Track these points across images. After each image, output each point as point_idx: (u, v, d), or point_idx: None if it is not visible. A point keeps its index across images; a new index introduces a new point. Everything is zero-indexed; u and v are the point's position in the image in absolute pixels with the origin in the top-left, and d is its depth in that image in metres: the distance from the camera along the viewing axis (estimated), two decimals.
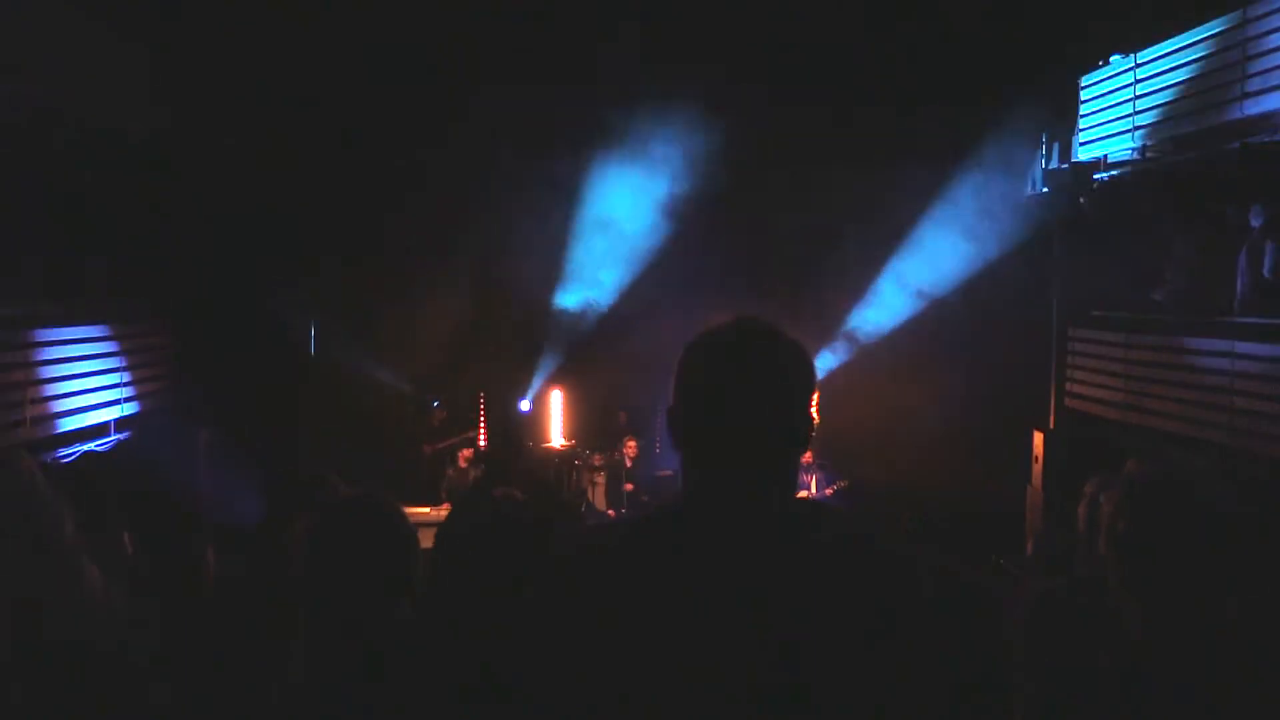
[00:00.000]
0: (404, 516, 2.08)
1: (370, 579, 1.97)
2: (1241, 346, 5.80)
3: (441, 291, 9.51)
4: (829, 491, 8.92)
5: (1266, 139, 5.65)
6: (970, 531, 7.14)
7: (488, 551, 2.46)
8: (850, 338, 9.60)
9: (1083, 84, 7.59)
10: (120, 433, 7.02)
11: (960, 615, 1.42)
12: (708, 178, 9.18)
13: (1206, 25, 6.21)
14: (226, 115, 7.80)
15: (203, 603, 2.52)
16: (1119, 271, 7.24)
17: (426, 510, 8.08)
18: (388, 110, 8.72)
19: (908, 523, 8.02)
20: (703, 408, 1.43)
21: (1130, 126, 6.99)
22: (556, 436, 10.38)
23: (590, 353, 10.12)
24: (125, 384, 7.20)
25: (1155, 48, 6.71)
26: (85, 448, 6.54)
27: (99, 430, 6.84)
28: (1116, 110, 7.17)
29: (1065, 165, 7.70)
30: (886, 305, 9.45)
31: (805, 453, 1.49)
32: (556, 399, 10.47)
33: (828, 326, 9.45)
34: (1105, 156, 7.31)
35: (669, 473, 9.44)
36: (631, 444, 9.66)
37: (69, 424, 6.49)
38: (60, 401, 6.41)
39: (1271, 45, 5.58)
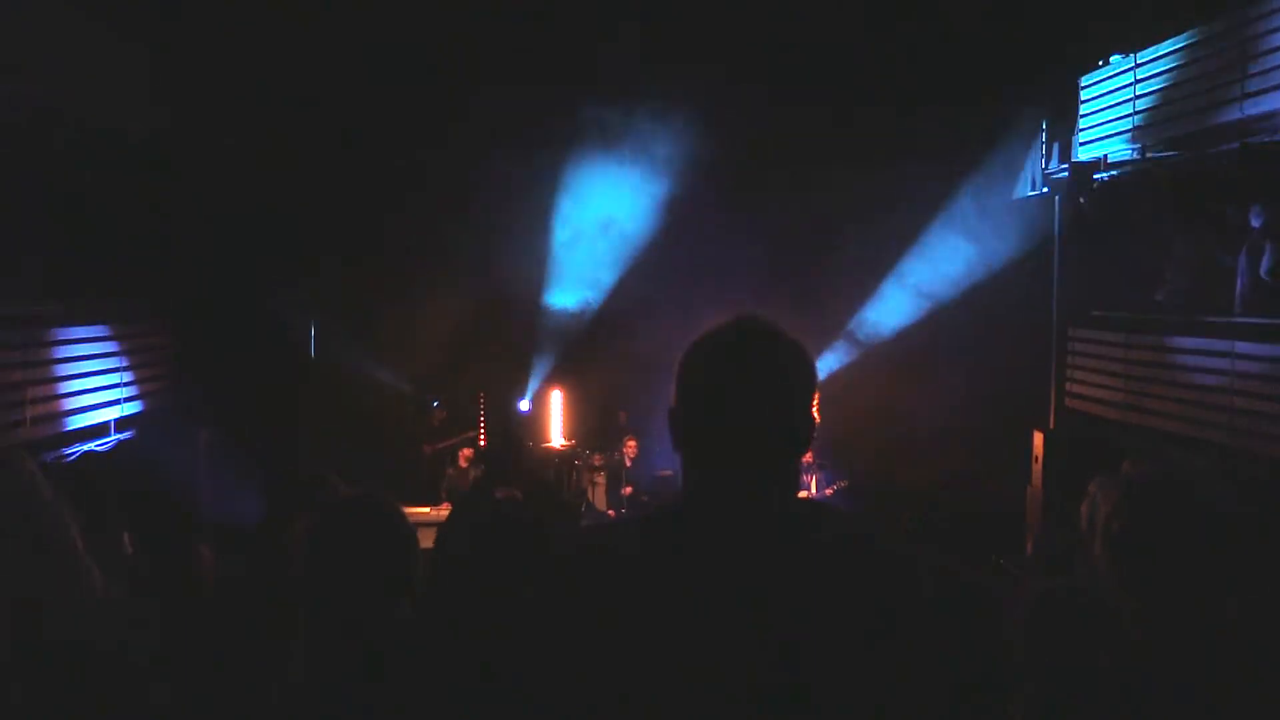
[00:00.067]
0: (404, 516, 2.08)
1: (370, 579, 1.97)
2: (1241, 346, 5.80)
3: (441, 291, 9.51)
4: (829, 491, 8.92)
5: (1266, 139, 5.64)
6: (970, 531, 7.14)
7: (488, 551, 2.46)
8: (850, 338, 9.60)
9: (1083, 84, 7.59)
10: (120, 433, 7.02)
11: (960, 615, 1.42)
12: (708, 178, 9.19)
13: (1206, 25, 6.21)
14: (226, 115, 7.79)
15: (203, 603, 2.52)
16: (1119, 271, 7.24)
17: (426, 510, 8.09)
18: (388, 110, 8.72)
19: (908, 523, 8.02)
20: (703, 408, 1.43)
21: (1130, 126, 6.99)
22: (556, 436, 10.38)
23: (590, 353, 10.13)
24: (125, 384, 7.20)
25: (1155, 48, 6.71)
26: (85, 448, 6.54)
27: (99, 430, 6.84)
28: (1116, 110, 7.17)
29: (1065, 165, 7.70)
30: (886, 305, 9.45)
31: (806, 453, 1.49)
32: (556, 399, 10.47)
33: (828, 327, 9.45)
34: (1105, 156, 7.31)
35: (669, 473, 9.44)
36: (631, 444, 9.66)
37: (69, 424, 6.49)
38: (60, 401, 6.41)
39: (1271, 45, 5.58)
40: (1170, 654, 1.89)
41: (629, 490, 9.58)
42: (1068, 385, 7.76)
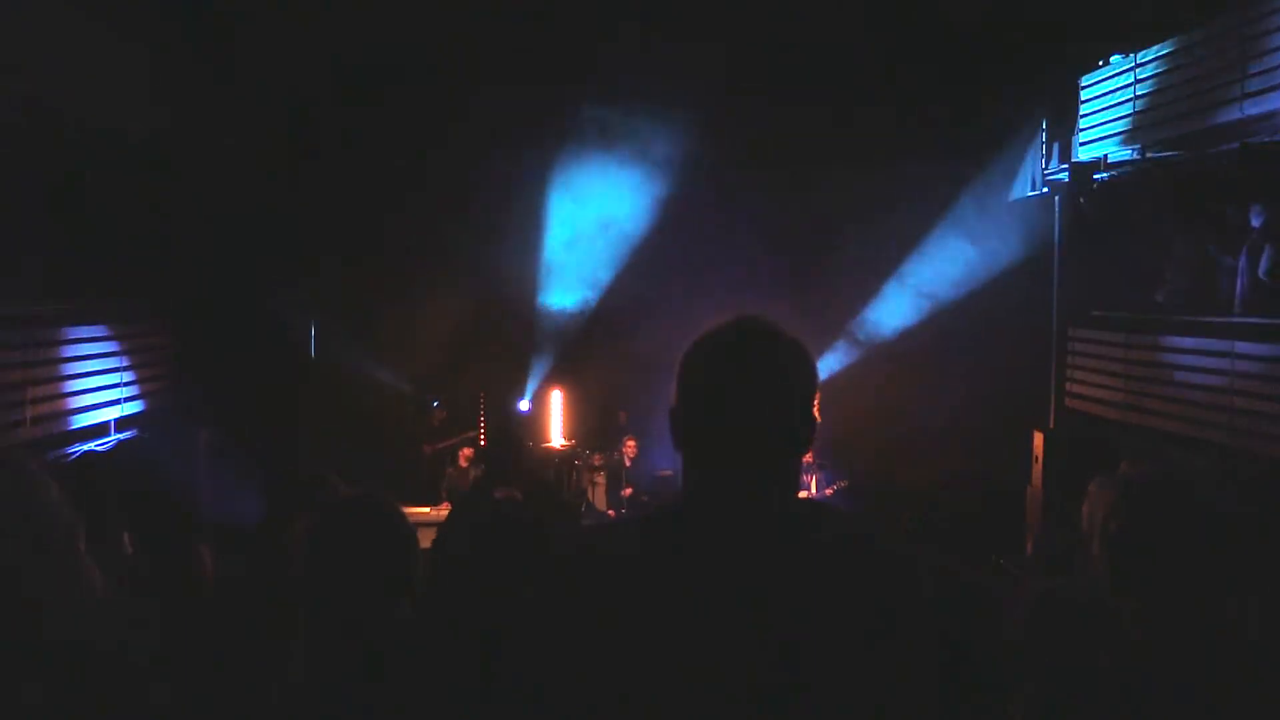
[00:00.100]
0: (404, 516, 2.08)
1: (370, 579, 1.97)
2: (1241, 346, 5.79)
3: (441, 291, 9.52)
4: (829, 491, 8.92)
5: (1266, 139, 5.64)
6: (970, 531, 7.14)
7: (488, 551, 2.46)
8: (850, 338, 9.60)
9: (1083, 84, 7.58)
10: (120, 433, 7.02)
11: (960, 615, 1.42)
12: (708, 178, 9.19)
13: (1206, 25, 6.21)
14: (226, 115, 7.79)
15: (203, 603, 2.52)
16: (1119, 271, 7.24)
17: (426, 510, 8.09)
18: (387, 110, 8.72)
19: (908, 523, 8.02)
20: (703, 408, 1.44)
21: (1130, 127, 6.99)
22: (556, 436, 10.38)
23: (590, 353, 10.13)
24: (125, 384, 7.20)
25: (1155, 48, 6.71)
26: (85, 448, 6.53)
27: (99, 430, 6.84)
28: (1116, 110, 7.17)
29: (1065, 166, 7.70)
30: (886, 305, 9.45)
31: (807, 453, 1.49)
32: (556, 399, 10.47)
33: (828, 327, 9.45)
34: (1105, 156, 7.30)
35: (669, 472, 9.44)
36: (630, 444, 9.66)
37: (69, 424, 6.49)
38: (60, 401, 6.40)
39: (1271, 45, 5.58)
40: (1170, 654, 1.89)
41: (629, 491, 9.58)
42: (1068, 385, 7.76)
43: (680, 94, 8.59)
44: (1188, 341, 6.31)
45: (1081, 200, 7.54)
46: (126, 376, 7.22)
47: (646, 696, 1.34)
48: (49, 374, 6.32)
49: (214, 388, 8.07)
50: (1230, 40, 5.95)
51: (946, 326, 8.93)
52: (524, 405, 10.49)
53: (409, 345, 9.85)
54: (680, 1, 8.18)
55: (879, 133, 8.42)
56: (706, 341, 1.46)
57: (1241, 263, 6.06)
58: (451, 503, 8.51)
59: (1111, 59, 7.28)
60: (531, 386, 10.51)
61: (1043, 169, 8.06)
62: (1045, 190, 7.99)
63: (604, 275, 10.01)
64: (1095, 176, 7.37)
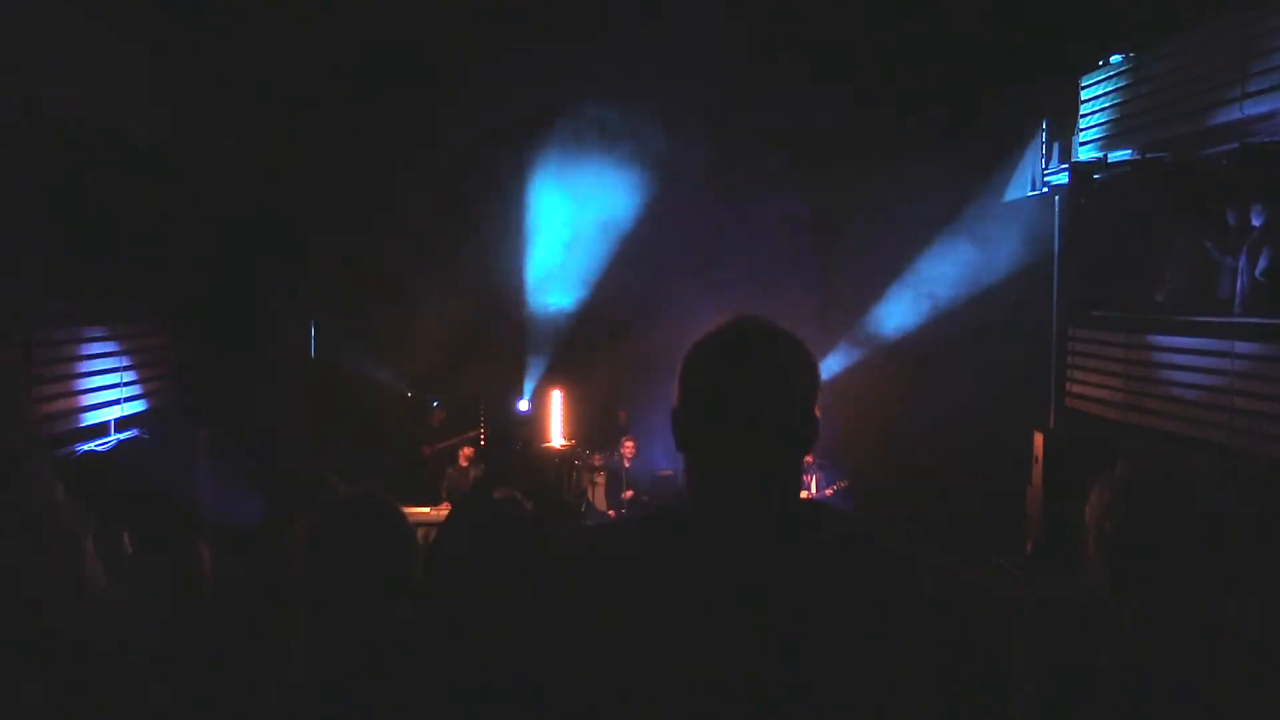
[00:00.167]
0: (404, 516, 2.08)
1: (370, 579, 1.97)
2: (1241, 346, 5.79)
3: (441, 292, 9.52)
4: (829, 491, 8.92)
5: (1266, 139, 5.64)
6: (970, 531, 7.14)
7: (488, 551, 2.46)
8: (850, 339, 9.60)
9: (1083, 84, 7.59)
10: (120, 433, 7.02)
11: (960, 615, 1.42)
12: (708, 178, 9.19)
13: (1206, 25, 6.21)
14: (226, 115, 7.80)
15: (203, 603, 2.52)
16: (1119, 271, 7.24)
17: (426, 510, 8.09)
18: (387, 110, 8.72)
19: (908, 523, 8.01)
20: (703, 409, 1.44)
21: (1130, 127, 6.99)
22: (556, 436, 10.38)
23: (590, 353, 10.13)
24: (125, 384, 7.20)
25: (1154, 48, 6.71)
26: (85, 448, 6.53)
27: (99, 430, 6.84)
28: (1116, 110, 7.17)
29: (1065, 166, 7.70)
30: (886, 306, 9.45)
31: (809, 453, 1.49)
32: (556, 399, 10.48)
33: (828, 327, 9.45)
34: (1105, 156, 7.30)
35: (669, 472, 9.44)
36: (628, 444, 9.66)
37: (69, 424, 6.49)
38: (60, 402, 6.40)
39: (1272, 45, 5.58)
40: (1170, 654, 1.89)
41: (629, 494, 9.58)
42: (1068, 385, 7.76)
43: (680, 94, 8.60)
44: (1188, 341, 6.31)
45: (1082, 200, 7.54)
46: (126, 376, 7.22)
47: (646, 696, 1.34)
48: (49, 374, 6.32)
49: (214, 388, 8.08)
50: (1230, 40, 5.95)
51: (946, 326, 8.93)
52: (523, 405, 10.49)
53: (409, 345, 9.86)
54: (680, 2, 8.18)
55: (879, 133, 8.42)
56: (707, 342, 1.46)
57: (1241, 263, 6.07)
58: (451, 503, 8.52)
59: (1111, 59, 7.28)
60: (531, 386, 10.52)
61: (1043, 169, 8.06)
62: (1045, 190, 7.99)
63: (603, 275, 10.02)
64: (1095, 176, 7.37)
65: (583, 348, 10.20)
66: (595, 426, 10.32)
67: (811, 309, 8.95)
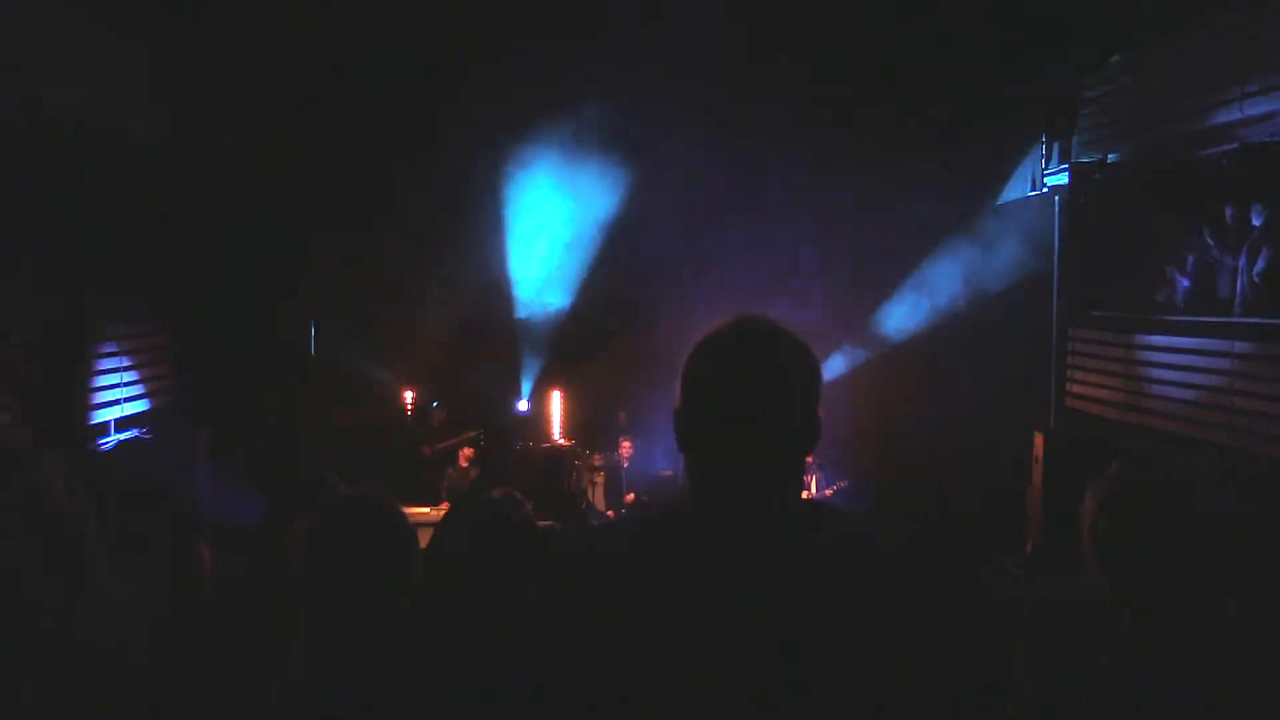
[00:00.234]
0: (404, 516, 2.08)
1: (370, 579, 1.97)
2: (1241, 346, 5.79)
3: (441, 292, 9.52)
4: (829, 491, 8.92)
5: (1266, 139, 5.64)
6: (970, 531, 7.14)
7: (487, 551, 2.46)
8: (850, 339, 9.60)
9: (1083, 84, 7.58)
10: (120, 432, 7.03)
11: (960, 615, 1.42)
12: (708, 178, 9.18)
13: (1206, 25, 6.21)
14: (226, 115, 7.80)
15: (203, 603, 2.52)
16: (1119, 271, 7.24)
17: (426, 510, 8.09)
18: (387, 110, 8.72)
19: (908, 523, 8.00)
20: (704, 409, 1.44)
21: (1130, 127, 6.99)
22: (556, 436, 10.38)
23: (590, 353, 10.13)
24: (125, 384, 7.21)
25: (1155, 48, 6.70)
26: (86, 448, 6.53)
27: (99, 430, 6.84)
28: (1117, 110, 7.17)
29: (1065, 166, 7.70)
30: (886, 306, 9.45)
31: (810, 452, 1.49)
32: (556, 399, 10.48)
33: (828, 328, 9.45)
34: (1105, 156, 7.30)
35: (669, 472, 9.44)
36: (626, 444, 9.65)
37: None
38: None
39: (1271, 45, 5.58)
40: (1170, 654, 1.89)
41: (630, 497, 9.58)
42: (1068, 385, 7.76)
43: (680, 94, 8.59)
44: (1188, 341, 6.31)
45: (1081, 200, 7.54)
46: (126, 376, 7.22)
47: (646, 697, 1.34)
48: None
49: (214, 388, 8.08)
50: (1230, 40, 5.95)
51: (947, 327, 8.93)
52: (523, 405, 10.49)
53: (409, 345, 9.86)
54: (680, 2, 8.18)
55: (879, 133, 8.41)
56: (708, 342, 1.46)
57: (1241, 263, 6.06)
58: (451, 503, 8.51)
59: (1111, 59, 7.28)
60: (531, 387, 10.52)
61: (1042, 169, 8.06)
62: (1045, 190, 7.98)
63: (604, 275, 10.01)
64: (1095, 176, 7.37)
65: (583, 348, 10.20)
66: (595, 427, 10.32)
67: (811, 309, 8.94)
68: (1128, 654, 1.91)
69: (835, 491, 8.93)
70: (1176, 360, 6.40)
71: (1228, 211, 6.16)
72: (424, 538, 2.14)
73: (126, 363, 7.22)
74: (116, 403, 7.07)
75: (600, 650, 1.37)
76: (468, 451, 9.30)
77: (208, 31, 7.23)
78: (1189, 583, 1.92)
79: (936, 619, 1.39)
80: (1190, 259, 6.47)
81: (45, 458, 1.74)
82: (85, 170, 6.48)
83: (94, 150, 6.55)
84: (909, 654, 1.36)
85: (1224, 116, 5.95)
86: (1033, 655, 2.02)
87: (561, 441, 10.22)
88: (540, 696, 1.41)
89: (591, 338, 10.13)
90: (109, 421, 6.95)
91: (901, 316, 9.38)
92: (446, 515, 2.57)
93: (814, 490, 8.78)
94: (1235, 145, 5.84)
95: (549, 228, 9.93)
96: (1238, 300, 6.07)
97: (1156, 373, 6.60)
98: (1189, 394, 6.22)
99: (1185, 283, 6.54)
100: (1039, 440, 7.21)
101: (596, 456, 9.87)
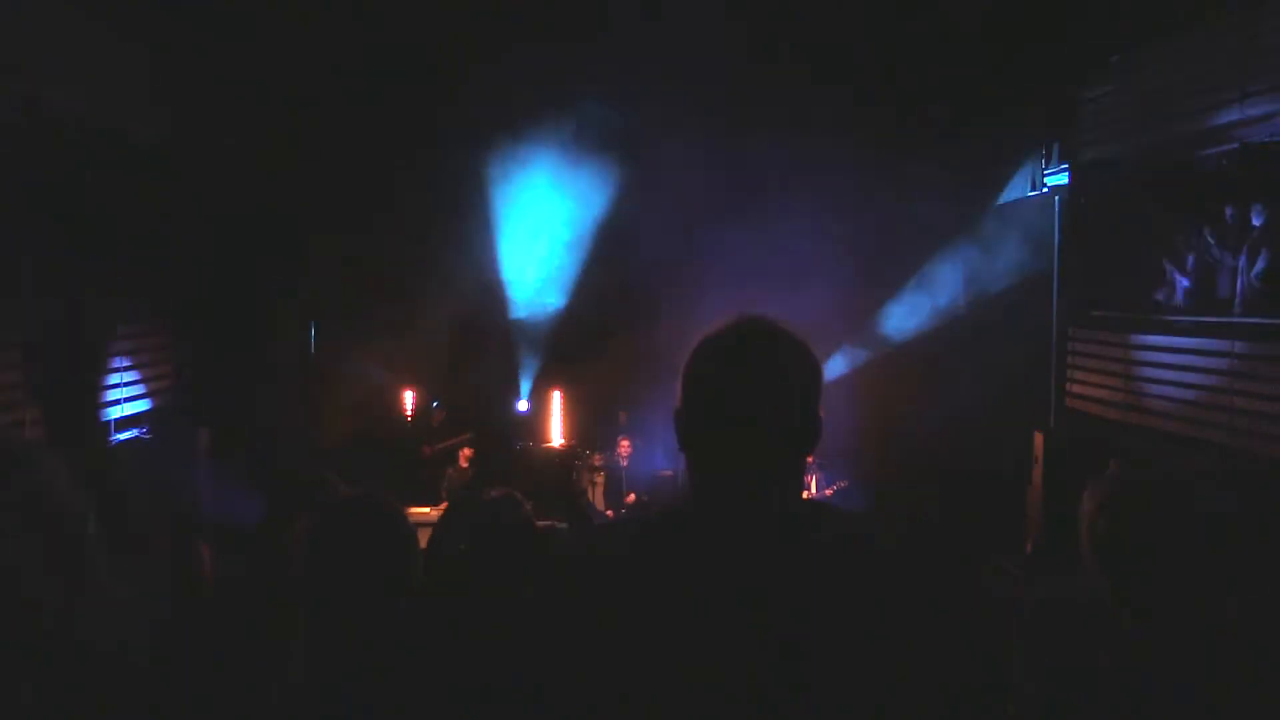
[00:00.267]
0: (404, 516, 2.08)
1: (370, 579, 1.97)
2: (1241, 346, 5.80)
3: (441, 292, 9.52)
4: (829, 491, 8.92)
5: (1266, 139, 5.64)
6: (970, 531, 7.14)
7: (487, 551, 2.46)
8: (851, 340, 9.60)
9: (1083, 84, 7.58)
10: (120, 432, 7.03)
11: (960, 615, 1.42)
12: (707, 178, 9.18)
13: (1206, 24, 6.21)
14: (226, 115, 7.79)
15: (203, 603, 2.52)
16: (1119, 271, 7.24)
17: (426, 510, 8.09)
18: (387, 110, 8.72)
19: (908, 523, 8.00)
20: (704, 409, 1.44)
21: (1130, 127, 6.99)
22: (556, 436, 10.39)
23: (590, 353, 10.13)
24: (125, 384, 7.21)
25: (1154, 48, 6.70)
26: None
27: (104, 430, 6.84)
28: (1117, 110, 7.17)
29: (1065, 166, 7.70)
30: (887, 307, 9.45)
31: (811, 452, 1.49)
32: (556, 399, 10.48)
33: (828, 328, 9.44)
34: (1105, 156, 7.31)
35: (669, 473, 9.44)
36: (624, 443, 9.65)
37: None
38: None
39: (1271, 45, 5.58)
40: (1170, 654, 1.89)
41: (632, 498, 9.58)
42: (1068, 385, 7.76)
43: (680, 94, 8.59)
44: (1188, 341, 6.31)
45: (1081, 200, 7.54)
46: (126, 376, 7.22)
47: (646, 697, 1.34)
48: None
49: (214, 388, 8.08)
50: (1230, 40, 5.95)
51: (947, 327, 8.93)
52: (523, 405, 10.49)
53: (409, 346, 9.86)
54: (679, 2, 8.18)
55: (879, 133, 8.41)
56: (709, 342, 1.46)
57: (1241, 263, 6.06)
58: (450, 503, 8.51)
59: (1111, 59, 7.27)
60: (531, 387, 10.52)
61: (1042, 169, 8.07)
62: (1045, 190, 7.99)
63: (604, 275, 10.02)
64: (1095, 176, 7.37)
65: (583, 348, 10.20)
66: (595, 426, 10.32)
67: (811, 309, 8.92)
68: (1128, 654, 1.91)
69: (835, 491, 8.93)
70: (1176, 360, 6.40)
71: (1228, 211, 6.15)
72: (424, 538, 2.14)
73: (126, 363, 7.22)
74: (116, 402, 7.07)
75: (600, 650, 1.37)
76: (468, 452, 9.31)
77: (208, 31, 7.23)
78: (1189, 583, 1.92)
79: (936, 619, 1.39)
80: (1190, 259, 6.47)
81: (45, 458, 1.73)
82: (85, 170, 6.48)
83: (94, 150, 6.55)
84: (909, 654, 1.36)
85: (1224, 116, 5.95)
86: (1033, 655, 2.02)
87: (562, 442, 10.23)
88: (540, 696, 1.41)
89: (591, 338, 10.13)
90: (109, 421, 6.95)
91: (902, 316, 9.38)
92: (443, 515, 2.57)
93: (814, 490, 8.78)
94: (1235, 145, 5.84)
95: (548, 227, 9.93)
96: (1238, 300, 6.07)
97: (1156, 373, 6.60)
98: (1189, 394, 6.22)
99: (1185, 283, 6.54)
100: (1039, 440, 7.22)
101: (596, 456, 9.87)
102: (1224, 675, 1.86)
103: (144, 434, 7.16)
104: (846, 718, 1.34)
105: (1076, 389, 7.65)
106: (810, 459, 1.52)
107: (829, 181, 8.60)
